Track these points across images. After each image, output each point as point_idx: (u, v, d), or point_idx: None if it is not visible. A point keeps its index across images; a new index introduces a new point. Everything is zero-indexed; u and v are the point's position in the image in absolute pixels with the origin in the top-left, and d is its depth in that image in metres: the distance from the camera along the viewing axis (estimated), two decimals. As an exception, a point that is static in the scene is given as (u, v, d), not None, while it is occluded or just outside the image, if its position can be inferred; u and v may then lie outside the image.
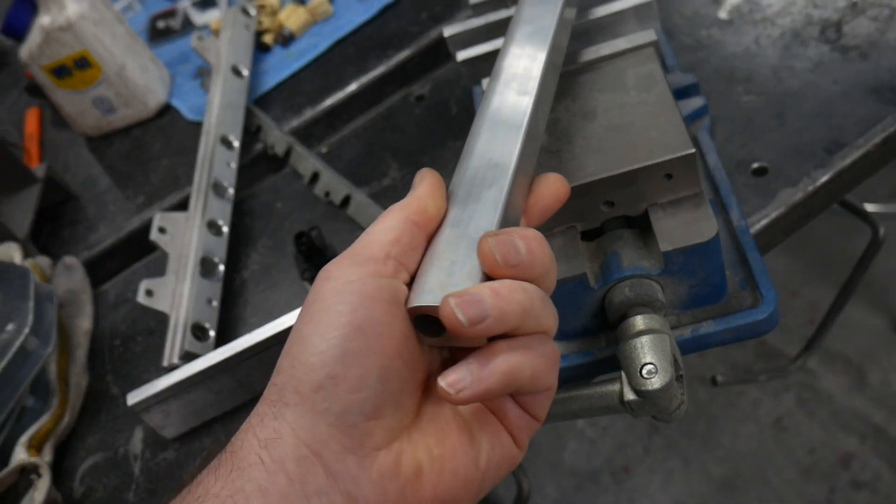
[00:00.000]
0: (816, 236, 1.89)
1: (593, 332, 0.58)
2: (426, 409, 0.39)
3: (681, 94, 0.70)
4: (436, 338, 0.38)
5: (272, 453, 0.35)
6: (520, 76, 0.50)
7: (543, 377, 0.39)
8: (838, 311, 0.81)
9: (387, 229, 0.39)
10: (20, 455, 0.68)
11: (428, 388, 0.40)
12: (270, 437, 0.35)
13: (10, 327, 0.70)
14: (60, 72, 0.96)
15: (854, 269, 0.80)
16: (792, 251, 1.89)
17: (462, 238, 0.40)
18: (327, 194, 0.80)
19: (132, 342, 0.79)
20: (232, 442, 0.37)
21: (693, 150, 0.52)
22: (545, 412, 0.42)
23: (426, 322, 0.38)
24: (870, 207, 0.98)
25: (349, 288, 0.37)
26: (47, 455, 0.70)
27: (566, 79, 0.60)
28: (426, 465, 0.37)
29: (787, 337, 1.76)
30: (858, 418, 1.66)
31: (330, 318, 0.36)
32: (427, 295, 0.37)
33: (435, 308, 0.36)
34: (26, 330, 0.69)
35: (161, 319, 0.79)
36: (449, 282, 0.38)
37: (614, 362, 0.53)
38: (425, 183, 0.42)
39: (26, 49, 0.94)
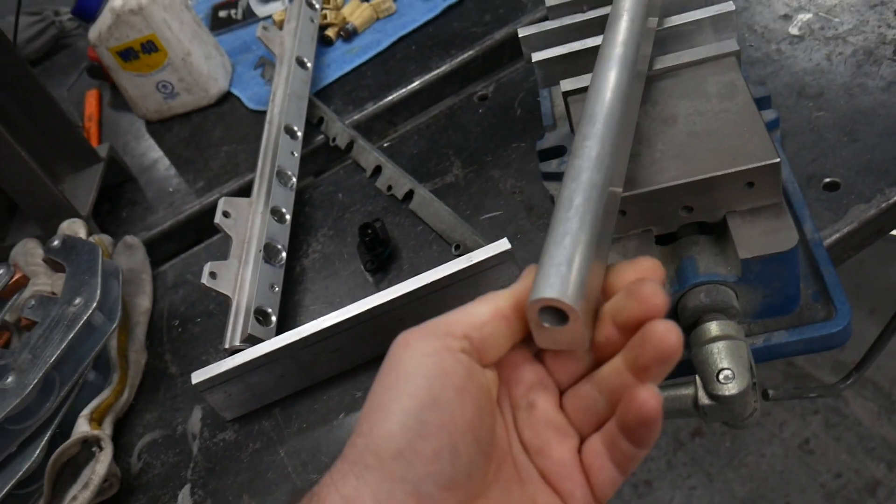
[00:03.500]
0: (850, 261, 1.87)
1: (664, 336, 0.58)
2: (496, 483, 0.40)
3: (752, 106, 0.71)
4: (557, 326, 0.40)
5: None
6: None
7: None
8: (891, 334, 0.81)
9: (474, 313, 0.40)
10: (82, 427, 0.69)
11: (498, 463, 0.41)
12: (351, 495, 0.37)
13: (77, 301, 0.71)
14: (127, 54, 0.97)
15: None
16: (824, 274, 1.88)
17: (577, 238, 0.41)
18: (390, 188, 0.81)
19: (191, 323, 0.80)
20: (315, 493, 0.38)
21: (778, 160, 0.52)
22: (627, 473, 0.42)
23: (546, 314, 0.40)
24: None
25: (427, 361, 0.38)
26: (108, 429, 0.71)
27: (645, 84, 0.60)
28: None
29: (816, 360, 1.75)
30: (886, 445, 1.64)
31: (408, 388, 0.38)
32: (550, 289, 0.39)
33: (560, 301, 0.38)
34: (94, 305, 0.71)
35: (219, 302, 0.80)
36: (570, 278, 0.39)
37: (682, 367, 0.53)
38: (530, 280, 0.41)
39: (95, 30, 0.96)
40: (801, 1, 0.81)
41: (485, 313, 0.40)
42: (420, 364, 0.38)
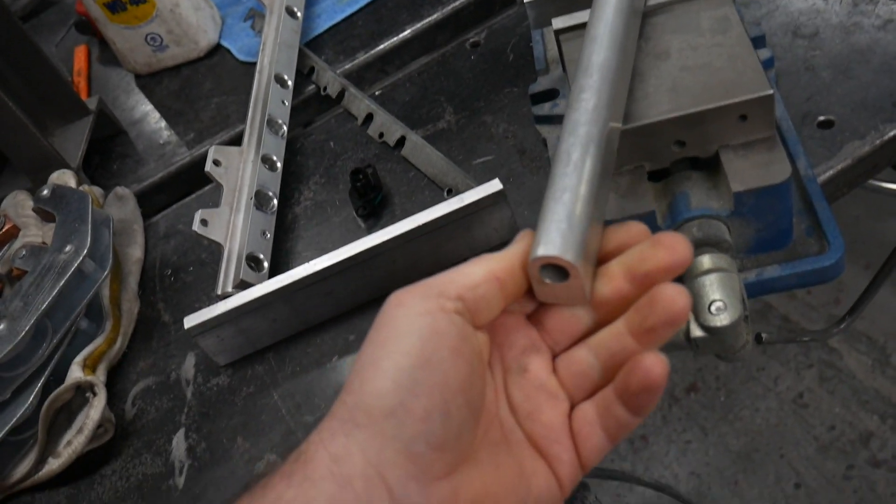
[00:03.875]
0: (846, 216, 1.88)
1: (657, 272, 0.58)
2: (484, 445, 0.40)
3: (747, 45, 0.70)
4: (558, 282, 0.40)
5: (342, 469, 0.36)
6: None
7: None
8: (889, 271, 0.81)
9: (468, 274, 0.40)
10: (76, 374, 0.69)
11: (486, 426, 0.41)
12: (340, 454, 0.37)
13: (68, 249, 0.71)
14: (115, 6, 0.96)
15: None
16: (821, 230, 1.88)
17: (576, 194, 0.41)
18: (381, 135, 0.81)
19: (183, 272, 0.80)
20: (302, 451, 0.38)
21: (772, 91, 0.52)
22: (616, 441, 0.43)
23: (547, 270, 0.40)
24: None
25: (420, 321, 0.38)
26: (101, 376, 0.71)
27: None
28: (481, 499, 0.39)
29: (813, 315, 1.76)
30: (880, 398, 1.66)
31: (401, 346, 0.38)
32: (551, 247, 0.39)
33: (560, 258, 0.39)
34: (84, 252, 0.70)
35: (211, 251, 0.80)
36: (570, 235, 0.40)
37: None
38: (524, 244, 0.41)
39: (82, -19, 0.95)
40: (798, -59, 0.80)
41: (479, 274, 0.40)
42: (413, 323, 0.38)
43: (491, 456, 0.40)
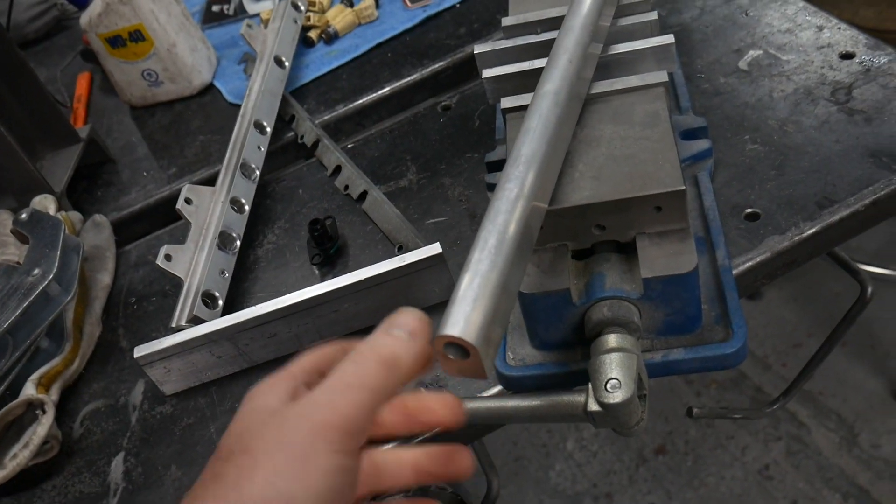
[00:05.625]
0: (828, 293, 1.90)
1: (571, 345, 0.61)
2: None
3: (689, 135, 0.74)
4: (460, 359, 0.44)
5: None
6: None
7: None
8: (820, 360, 0.84)
9: (375, 394, 0.43)
10: (29, 391, 0.72)
11: None
12: None
13: (36, 272, 0.75)
14: (115, 41, 1.01)
15: (839, 322, 0.83)
16: (802, 305, 1.91)
17: (486, 279, 0.45)
18: (346, 187, 0.85)
19: (146, 302, 0.84)
20: None
21: (683, 188, 0.55)
22: None
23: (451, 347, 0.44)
24: (867, 268, 1.01)
25: (328, 476, 0.41)
26: (54, 395, 0.75)
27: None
28: None
29: (781, 386, 1.77)
30: (844, 477, 1.67)
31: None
32: (454, 327, 0.43)
33: (461, 339, 0.43)
34: (50, 276, 0.74)
35: (176, 284, 0.83)
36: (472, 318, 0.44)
37: (586, 376, 0.56)
38: (416, 356, 0.46)
39: (87, 16, 1.00)
40: (755, 37, 0.84)
41: (381, 396, 0.44)
42: (320, 480, 0.40)
43: None
